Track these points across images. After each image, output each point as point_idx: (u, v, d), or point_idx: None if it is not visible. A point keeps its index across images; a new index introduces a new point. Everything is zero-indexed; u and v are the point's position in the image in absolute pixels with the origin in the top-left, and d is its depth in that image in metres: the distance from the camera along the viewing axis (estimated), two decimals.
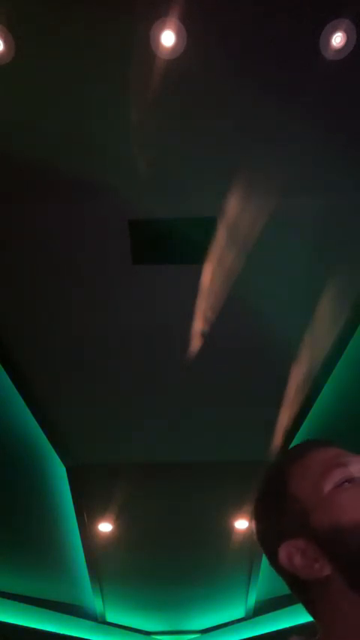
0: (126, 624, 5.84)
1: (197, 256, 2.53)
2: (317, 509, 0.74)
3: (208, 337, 2.86)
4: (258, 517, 0.84)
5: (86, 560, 4.68)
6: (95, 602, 5.35)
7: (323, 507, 0.74)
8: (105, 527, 4.37)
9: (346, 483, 0.74)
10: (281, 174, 2.30)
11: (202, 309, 2.69)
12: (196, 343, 2.87)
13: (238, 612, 5.68)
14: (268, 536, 0.81)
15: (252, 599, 5.35)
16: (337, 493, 0.74)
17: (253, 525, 0.84)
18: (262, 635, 5.53)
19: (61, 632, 5.42)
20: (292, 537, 0.76)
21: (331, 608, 0.73)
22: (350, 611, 0.70)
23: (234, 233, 2.45)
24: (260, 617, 5.54)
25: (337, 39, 1.89)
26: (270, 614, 5.39)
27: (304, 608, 0.77)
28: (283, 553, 0.75)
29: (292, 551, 0.75)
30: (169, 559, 4.82)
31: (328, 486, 0.74)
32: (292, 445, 2.76)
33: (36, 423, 3.45)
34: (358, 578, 0.70)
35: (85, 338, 3.02)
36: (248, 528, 4.36)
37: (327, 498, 0.74)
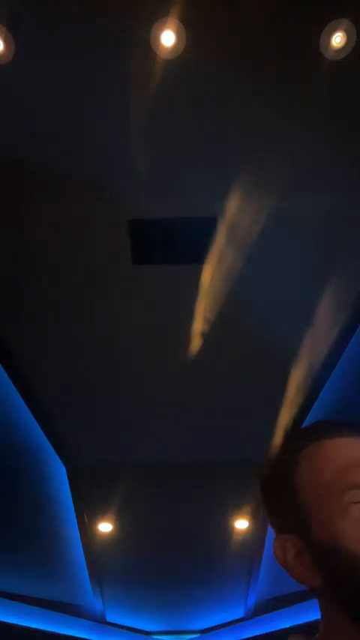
0: (126, 624, 5.85)
1: (197, 256, 2.53)
2: (320, 524, 0.69)
3: (208, 337, 2.85)
4: (262, 497, 0.79)
5: (86, 560, 4.68)
6: (95, 602, 5.35)
7: (326, 525, 0.68)
8: (105, 527, 4.37)
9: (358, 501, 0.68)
10: (282, 174, 2.30)
11: (202, 309, 2.69)
12: (196, 343, 2.86)
13: (238, 612, 5.68)
14: (270, 520, 0.78)
15: (252, 599, 5.35)
16: (344, 515, 0.68)
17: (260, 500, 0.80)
18: (262, 635, 5.53)
19: (61, 632, 5.42)
20: (290, 532, 0.72)
21: (325, 614, 0.71)
22: (341, 624, 0.67)
23: (234, 233, 2.44)
24: (260, 617, 5.54)
25: (337, 39, 1.88)
26: (270, 614, 5.39)
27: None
28: (277, 545, 0.72)
29: (287, 547, 0.71)
30: (169, 559, 4.82)
31: (336, 506, 0.68)
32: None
33: (36, 423, 3.45)
34: (351, 604, 0.66)
35: (84, 338, 3.02)
36: (248, 528, 4.36)
37: (332, 518, 0.68)
